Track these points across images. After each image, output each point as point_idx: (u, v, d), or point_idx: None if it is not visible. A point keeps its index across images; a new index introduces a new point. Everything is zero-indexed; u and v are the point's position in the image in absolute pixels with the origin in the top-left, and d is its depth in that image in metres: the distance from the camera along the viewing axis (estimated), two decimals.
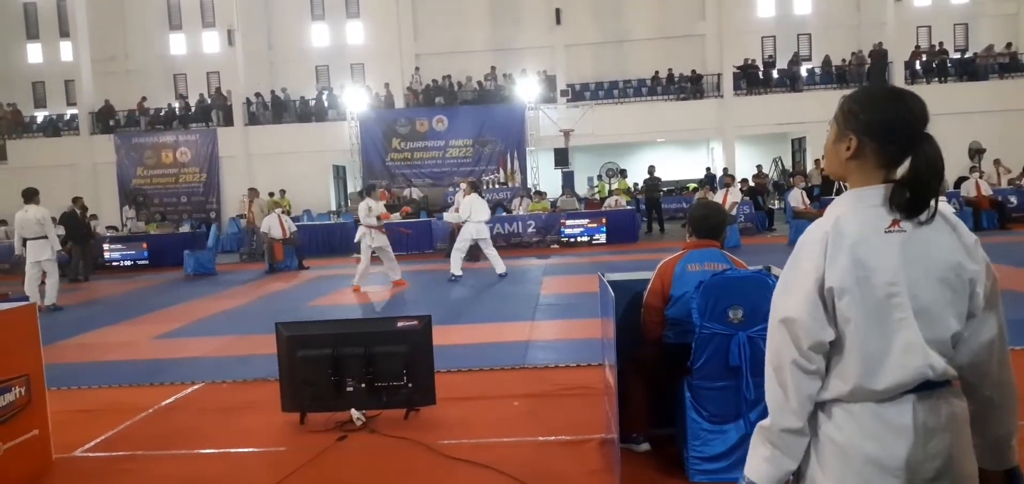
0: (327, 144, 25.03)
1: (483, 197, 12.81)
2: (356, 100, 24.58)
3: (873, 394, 1.54)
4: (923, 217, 1.54)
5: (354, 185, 24.64)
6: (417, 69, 26.66)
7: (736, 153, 25.23)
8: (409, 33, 27.16)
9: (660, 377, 3.96)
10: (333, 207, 25.20)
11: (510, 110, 24.41)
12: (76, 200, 15.90)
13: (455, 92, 25.83)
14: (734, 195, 16.06)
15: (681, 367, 3.73)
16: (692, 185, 24.74)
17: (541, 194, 20.03)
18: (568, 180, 22.89)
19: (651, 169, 19.44)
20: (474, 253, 12.82)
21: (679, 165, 27.72)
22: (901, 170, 1.61)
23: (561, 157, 23.24)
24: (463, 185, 13.04)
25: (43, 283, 11.48)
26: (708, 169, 25.32)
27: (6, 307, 4.43)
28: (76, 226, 15.38)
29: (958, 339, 1.57)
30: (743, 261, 3.88)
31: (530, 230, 17.52)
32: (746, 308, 3.50)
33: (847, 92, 1.71)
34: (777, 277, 3.81)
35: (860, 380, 1.55)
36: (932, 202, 1.55)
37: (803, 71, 25.60)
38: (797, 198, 15.28)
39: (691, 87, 25.71)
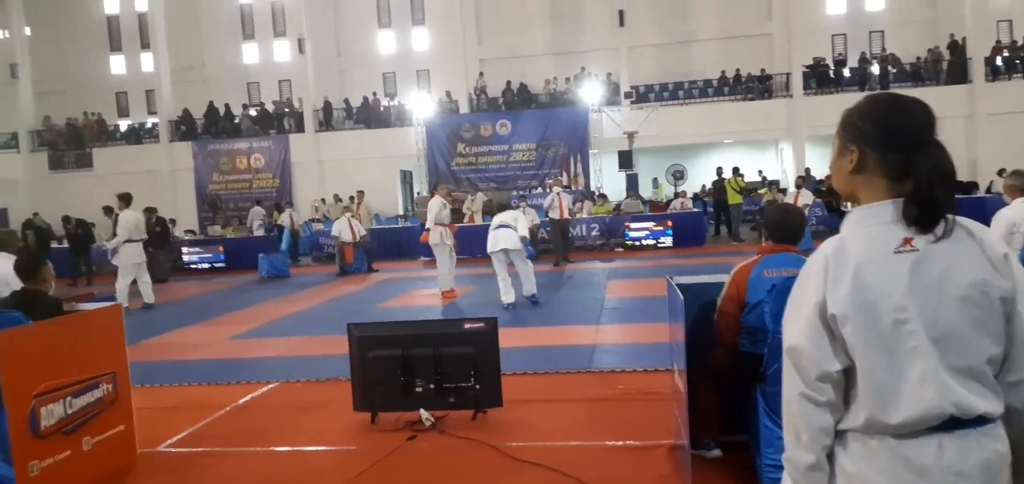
0: (394, 149, 25.44)
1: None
2: (422, 105, 24.92)
3: (888, 428, 1.41)
4: (938, 231, 1.41)
5: (420, 189, 24.97)
6: (481, 74, 26.88)
7: (806, 154, 24.55)
8: (473, 38, 27.36)
9: (732, 383, 3.90)
10: (400, 211, 25.59)
11: (574, 113, 24.35)
12: (149, 211, 16.45)
13: (517, 97, 25.91)
14: (805, 197, 15.66)
15: (754, 374, 3.66)
16: (762, 189, 24.15)
17: (604, 196, 19.89)
18: (632, 183, 22.63)
19: (718, 171, 19.09)
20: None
21: (747, 167, 27.09)
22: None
23: (625, 159, 22.99)
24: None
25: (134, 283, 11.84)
26: (775, 183, 24.47)
27: (94, 307, 4.65)
28: (151, 231, 15.98)
29: (998, 362, 1.42)
30: None
31: (594, 233, 17.43)
32: None
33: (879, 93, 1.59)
34: None
35: (872, 412, 1.42)
36: (946, 214, 1.42)
37: (875, 69, 24.75)
38: None
39: (759, 87, 25.15)
